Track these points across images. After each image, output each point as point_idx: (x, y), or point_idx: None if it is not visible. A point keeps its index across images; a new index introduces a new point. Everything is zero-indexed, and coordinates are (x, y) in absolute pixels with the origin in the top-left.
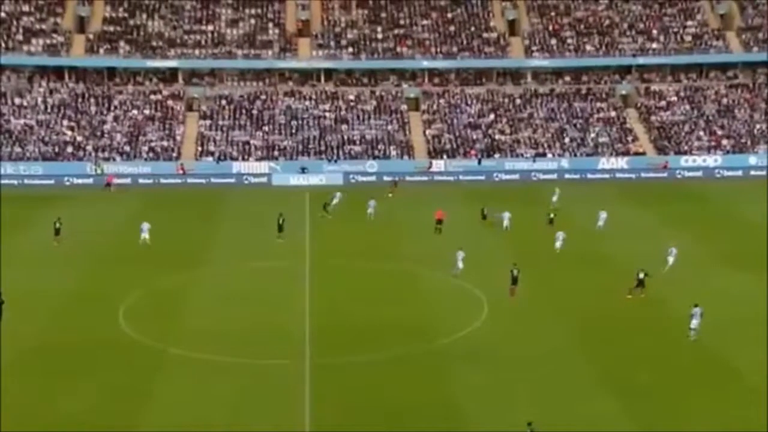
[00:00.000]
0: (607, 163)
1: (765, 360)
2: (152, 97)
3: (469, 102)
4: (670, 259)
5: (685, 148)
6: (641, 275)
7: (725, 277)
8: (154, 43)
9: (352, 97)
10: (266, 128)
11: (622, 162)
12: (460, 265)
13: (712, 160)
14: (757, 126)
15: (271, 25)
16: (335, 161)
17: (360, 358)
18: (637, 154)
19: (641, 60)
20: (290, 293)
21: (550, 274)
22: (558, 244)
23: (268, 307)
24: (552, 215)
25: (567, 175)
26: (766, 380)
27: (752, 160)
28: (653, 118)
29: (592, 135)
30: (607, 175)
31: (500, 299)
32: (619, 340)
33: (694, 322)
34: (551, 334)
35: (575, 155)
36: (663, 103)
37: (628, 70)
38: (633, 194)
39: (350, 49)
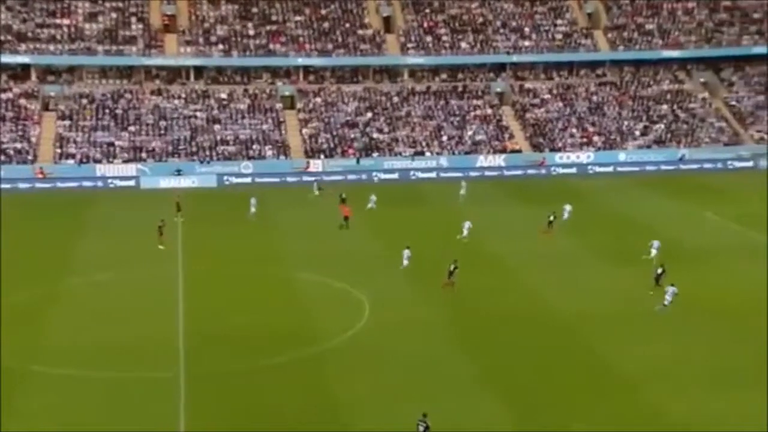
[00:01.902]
0: (485, 161)
1: (640, 355)
2: (2, 95)
3: (345, 100)
4: (653, 251)
5: (559, 145)
6: (452, 267)
7: (601, 273)
8: (1, 37)
9: (224, 96)
10: (132, 129)
11: (500, 160)
12: (406, 262)
13: (585, 156)
14: (626, 123)
15: (134, 19)
16: (208, 162)
17: (238, 367)
18: (513, 151)
19: (515, 58)
20: (163, 302)
21: (435, 274)
22: (464, 233)
23: (139, 318)
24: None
25: (446, 174)
26: (641, 375)
27: (621, 156)
28: (528, 115)
29: (470, 133)
30: (486, 173)
31: (382, 299)
32: (499, 338)
33: (668, 298)
34: (433, 333)
35: (454, 153)
36: (537, 100)
37: (502, 68)
38: (512, 192)
39: (221, 46)
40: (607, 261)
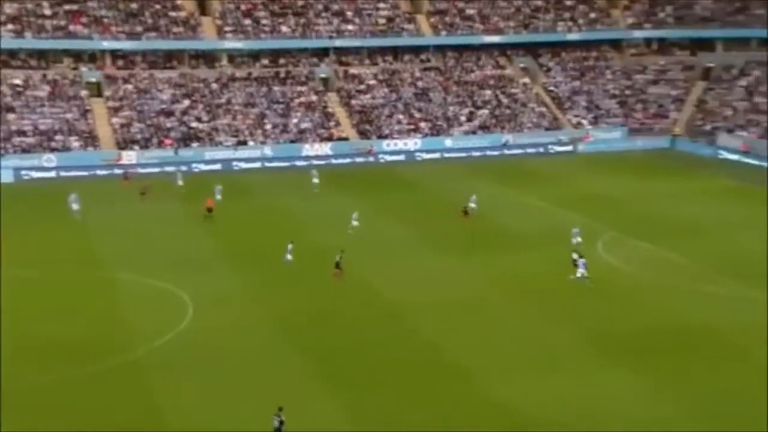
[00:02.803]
0: (311, 149)
1: (471, 343)
2: None
3: (160, 87)
4: (578, 239)
5: (387, 132)
6: (338, 257)
7: (431, 261)
8: None
9: (18, 82)
10: None
11: (326, 148)
12: (289, 257)
13: (413, 143)
14: (451, 109)
15: None
16: (1, 155)
17: (50, 378)
18: (340, 139)
19: (338, 42)
20: None
21: (255, 268)
22: (353, 224)
23: None
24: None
25: (271, 164)
26: (472, 362)
27: (448, 142)
28: (354, 101)
29: (294, 120)
30: (313, 162)
31: (207, 299)
32: (329, 330)
33: (581, 271)
34: (262, 331)
35: (278, 142)
36: (362, 86)
37: (325, 53)
38: (340, 181)
39: (10, 26)
40: (438, 249)
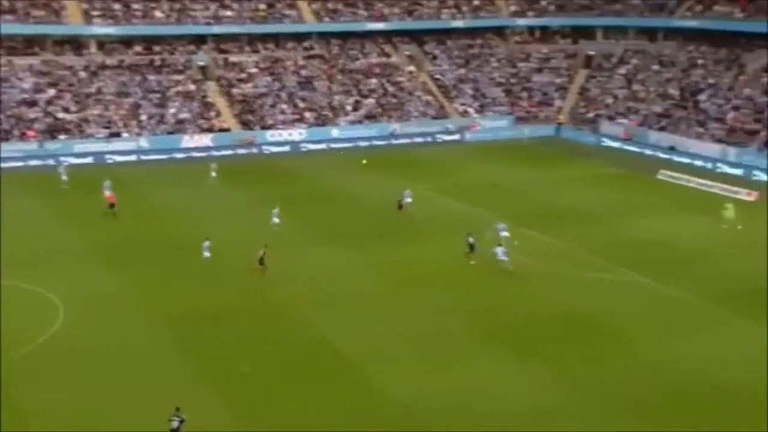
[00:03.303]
0: (191, 140)
1: (362, 335)
2: None
3: (20, 75)
4: (505, 233)
5: (270, 122)
6: (262, 252)
7: (321, 254)
8: None
9: None
10: None
11: (206, 139)
12: (206, 254)
13: (297, 133)
14: (336, 98)
15: None
16: None
17: None
18: (222, 130)
19: (216, 29)
20: None
21: (135, 267)
22: (274, 220)
23: None
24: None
25: (147, 156)
26: (363, 355)
27: (334, 132)
28: (235, 91)
29: (172, 111)
30: (193, 154)
31: (77, 300)
32: (215, 329)
33: (502, 258)
34: (139, 331)
35: (155, 134)
36: (243, 75)
37: (203, 40)
38: (224, 173)
39: None
40: (328, 242)
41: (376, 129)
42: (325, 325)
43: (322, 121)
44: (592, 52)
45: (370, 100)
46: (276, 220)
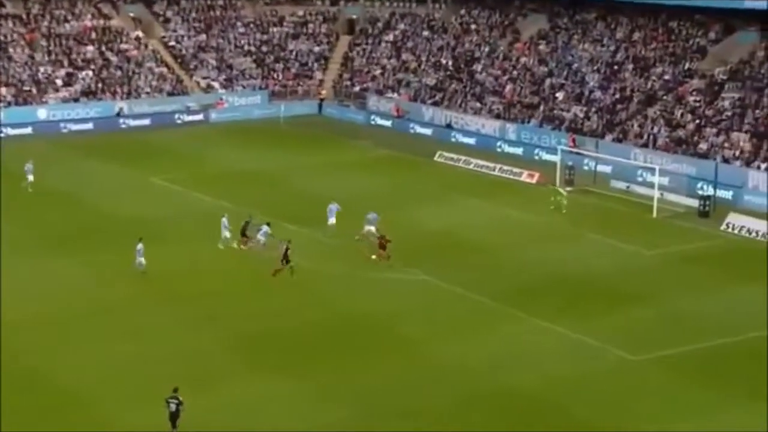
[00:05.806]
0: None
1: (87, 364)
2: None
3: None
4: (372, 228)
5: None
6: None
7: (30, 264)
8: None
9: None
10: None
11: None
12: (142, 260)
13: None
14: (42, 69)
15: None
16: None
17: None
18: None
19: None
20: None
21: None
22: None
23: None
24: None
25: None
26: (89, 387)
27: (42, 113)
28: None
29: None
30: None
31: None
32: None
33: (262, 239)
34: None
35: None
36: None
37: None
38: None
39: None
40: (40, 249)
41: (97, 108)
42: (39, 353)
43: (24, 99)
44: (354, 16)
45: (87, 73)
46: (227, 234)
